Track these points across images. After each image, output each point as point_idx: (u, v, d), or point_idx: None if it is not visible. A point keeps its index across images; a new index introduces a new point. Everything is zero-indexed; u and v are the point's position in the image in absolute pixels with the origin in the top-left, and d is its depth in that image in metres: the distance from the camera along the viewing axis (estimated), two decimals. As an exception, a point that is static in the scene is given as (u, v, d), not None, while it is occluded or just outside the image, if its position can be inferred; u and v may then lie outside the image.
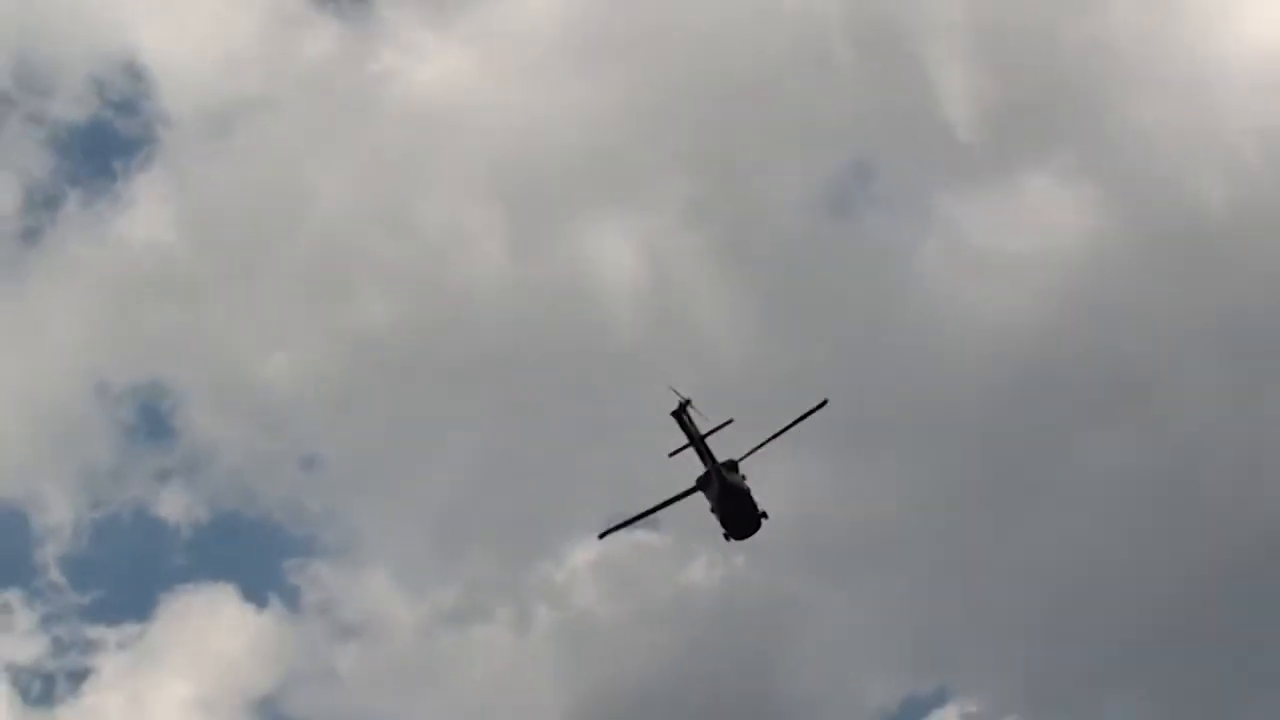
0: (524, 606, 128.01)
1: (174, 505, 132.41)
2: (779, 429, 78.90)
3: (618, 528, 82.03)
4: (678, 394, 75.54)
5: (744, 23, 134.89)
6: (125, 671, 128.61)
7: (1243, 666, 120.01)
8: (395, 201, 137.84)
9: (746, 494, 77.69)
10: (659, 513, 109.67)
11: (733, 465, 77.18)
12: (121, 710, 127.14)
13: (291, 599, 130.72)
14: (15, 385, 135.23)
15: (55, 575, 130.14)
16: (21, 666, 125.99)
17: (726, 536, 79.46)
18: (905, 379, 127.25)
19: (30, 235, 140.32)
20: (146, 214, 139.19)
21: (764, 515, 78.29)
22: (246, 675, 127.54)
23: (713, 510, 78.76)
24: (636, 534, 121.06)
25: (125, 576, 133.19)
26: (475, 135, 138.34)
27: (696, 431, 75.69)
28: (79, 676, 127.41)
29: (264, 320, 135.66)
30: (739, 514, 78.28)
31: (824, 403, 78.71)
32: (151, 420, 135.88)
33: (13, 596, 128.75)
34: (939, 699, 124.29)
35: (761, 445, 79.01)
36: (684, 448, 79.67)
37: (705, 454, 75.79)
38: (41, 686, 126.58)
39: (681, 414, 75.34)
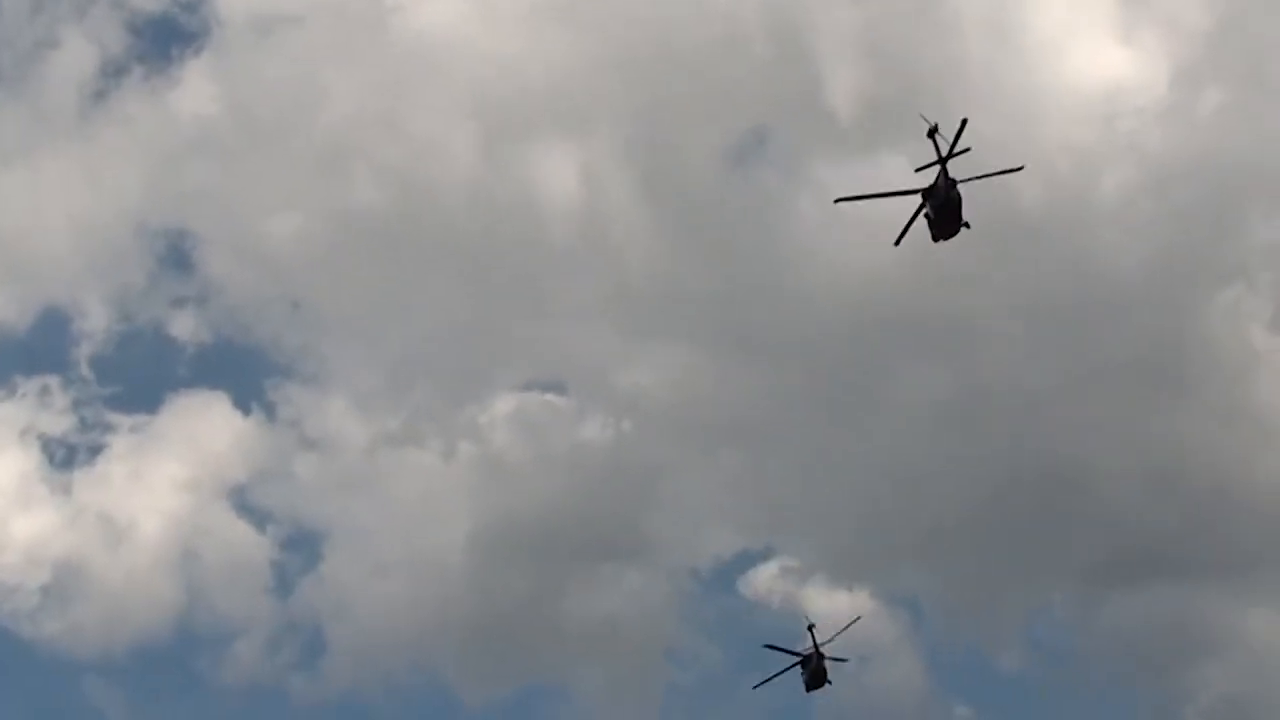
0: (451, 440, 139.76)
1: (185, 326, 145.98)
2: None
3: (855, 198, 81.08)
4: (925, 120, 77.57)
5: (684, 11, 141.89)
6: (132, 451, 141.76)
7: (1009, 557, 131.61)
8: (392, 110, 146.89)
9: (959, 204, 79.29)
10: (574, 379, 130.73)
11: (954, 182, 78.21)
12: (125, 480, 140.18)
13: (270, 411, 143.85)
14: (73, 214, 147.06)
15: (85, 370, 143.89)
16: (51, 436, 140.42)
17: (935, 238, 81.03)
18: (779, 304, 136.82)
19: (100, 95, 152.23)
20: (194, 92, 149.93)
21: (967, 225, 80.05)
22: (226, 467, 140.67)
23: (927, 214, 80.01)
24: (547, 395, 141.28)
25: (141, 377, 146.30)
26: (462, 66, 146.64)
27: (940, 151, 77.68)
28: (95, 450, 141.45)
29: (277, 188, 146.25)
30: (950, 218, 79.83)
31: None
32: (176, 257, 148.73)
33: (51, 381, 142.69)
34: (765, 555, 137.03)
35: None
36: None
37: (944, 169, 77.49)
38: (65, 454, 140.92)
39: (932, 135, 77.20)
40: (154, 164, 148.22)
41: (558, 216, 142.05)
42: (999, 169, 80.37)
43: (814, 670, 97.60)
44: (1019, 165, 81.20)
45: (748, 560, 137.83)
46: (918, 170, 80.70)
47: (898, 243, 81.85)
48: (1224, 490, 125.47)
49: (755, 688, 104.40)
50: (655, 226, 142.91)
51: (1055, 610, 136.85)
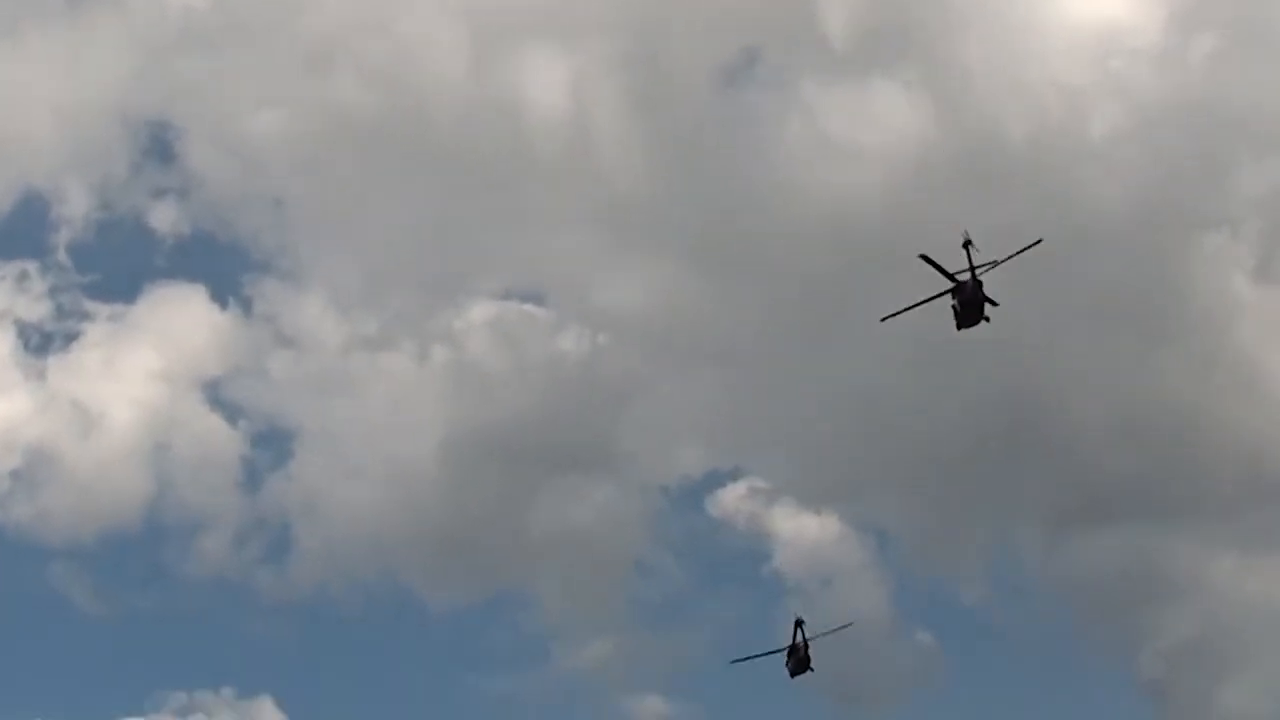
0: (425, 345, 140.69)
1: (165, 217, 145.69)
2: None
3: (900, 312, 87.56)
4: (964, 234, 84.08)
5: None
6: (108, 340, 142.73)
7: (978, 492, 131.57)
8: (382, 11, 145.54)
9: (982, 302, 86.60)
10: (553, 290, 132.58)
11: (980, 284, 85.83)
12: (100, 368, 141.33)
13: (246, 306, 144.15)
14: (57, 100, 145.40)
15: (64, 256, 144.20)
16: (27, 322, 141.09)
17: (959, 327, 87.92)
18: (763, 225, 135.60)
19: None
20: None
21: (987, 319, 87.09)
22: (201, 360, 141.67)
23: (954, 306, 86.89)
24: (525, 305, 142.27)
25: (119, 266, 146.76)
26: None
27: (971, 260, 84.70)
28: (71, 337, 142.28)
29: (264, 83, 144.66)
30: (974, 314, 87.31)
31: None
32: (159, 148, 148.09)
33: (29, 266, 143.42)
34: (734, 475, 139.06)
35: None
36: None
37: (973, 274, 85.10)
38: (40, 340, 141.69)
39: (966, 246, 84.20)
40: (141, 53, 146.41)
41: (544, 126, 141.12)
42: (1020, 248, 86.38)
43: (800, 659, 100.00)
44: (1038, 239, 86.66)
45: (716, 479, 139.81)
46: (957, 272, 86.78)
47: (885, 319, 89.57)
48: (1195, 437, 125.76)
49: (733, 662, 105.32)
50: (643, 141, 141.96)
51: (1020, 546, 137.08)
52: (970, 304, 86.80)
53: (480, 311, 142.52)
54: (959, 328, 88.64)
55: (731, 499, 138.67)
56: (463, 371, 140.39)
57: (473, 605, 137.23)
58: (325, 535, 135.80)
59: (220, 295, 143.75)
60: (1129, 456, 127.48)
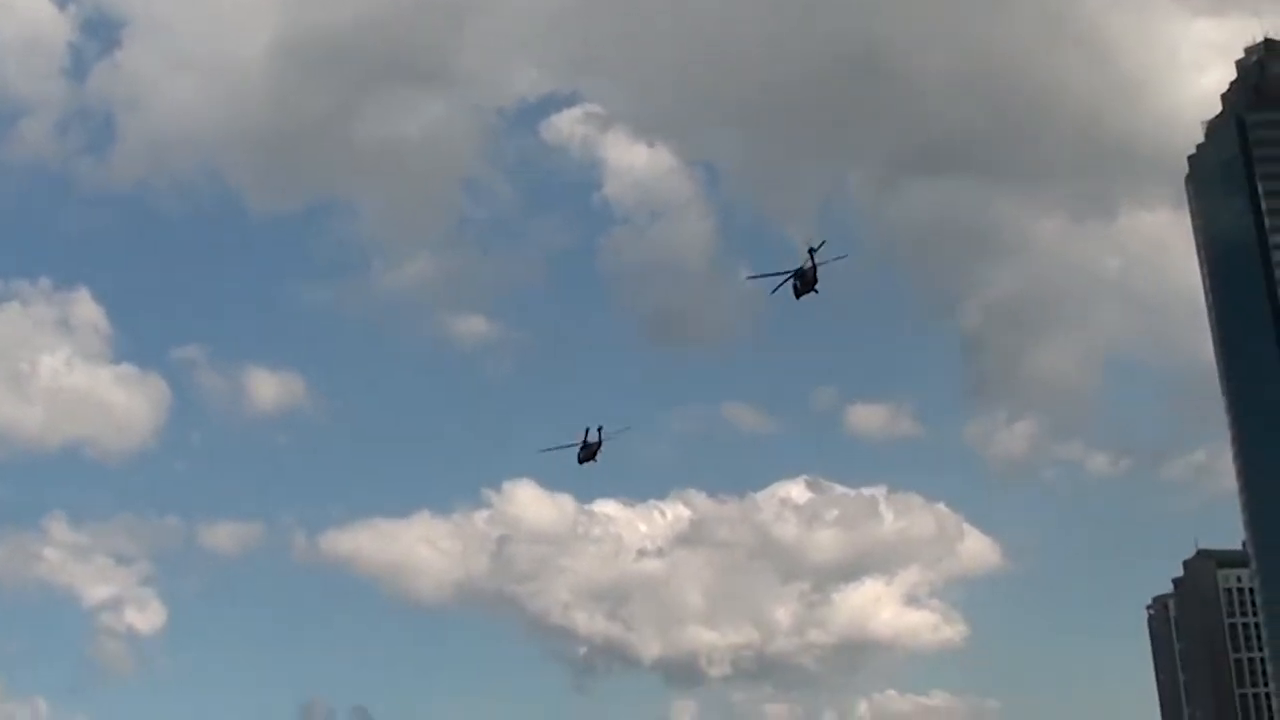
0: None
1: None
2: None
3: (765, 274, 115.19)
4: (810, 243, 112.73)
5: None
6: None
7: (814, 136, 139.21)
8: None
9: (815, 282, 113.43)
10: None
11: (815, 268, 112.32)
12: None
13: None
14: None
15: None
16: None
17: (797, 295, 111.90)
18: None
19: None
20: None
21: (816, 290, 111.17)
22: None
23: (796, 284, 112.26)
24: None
25: None
26: None
27: (813, 261, 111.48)
28: None
29: None
30: (808, 288, 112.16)
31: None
32: None
33: None
34: (571, 100, 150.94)
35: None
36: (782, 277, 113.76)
37: (814, 268, 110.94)
38: None
39: (812, 251, 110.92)
40: None
41: None
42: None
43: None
44: (844, 254, 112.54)
45: (552, 104, 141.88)
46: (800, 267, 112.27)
47: (750, 278, 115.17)
48: (1036, 98, 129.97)
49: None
50: None
51: (851, 194, 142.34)
52: (807, 283, 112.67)
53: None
54: (797, 296, 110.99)
55: (566, 124, 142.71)
56: None
57: (295, 211, 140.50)
58: (150, 129, 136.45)
59: None
60: (969, 111, 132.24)
